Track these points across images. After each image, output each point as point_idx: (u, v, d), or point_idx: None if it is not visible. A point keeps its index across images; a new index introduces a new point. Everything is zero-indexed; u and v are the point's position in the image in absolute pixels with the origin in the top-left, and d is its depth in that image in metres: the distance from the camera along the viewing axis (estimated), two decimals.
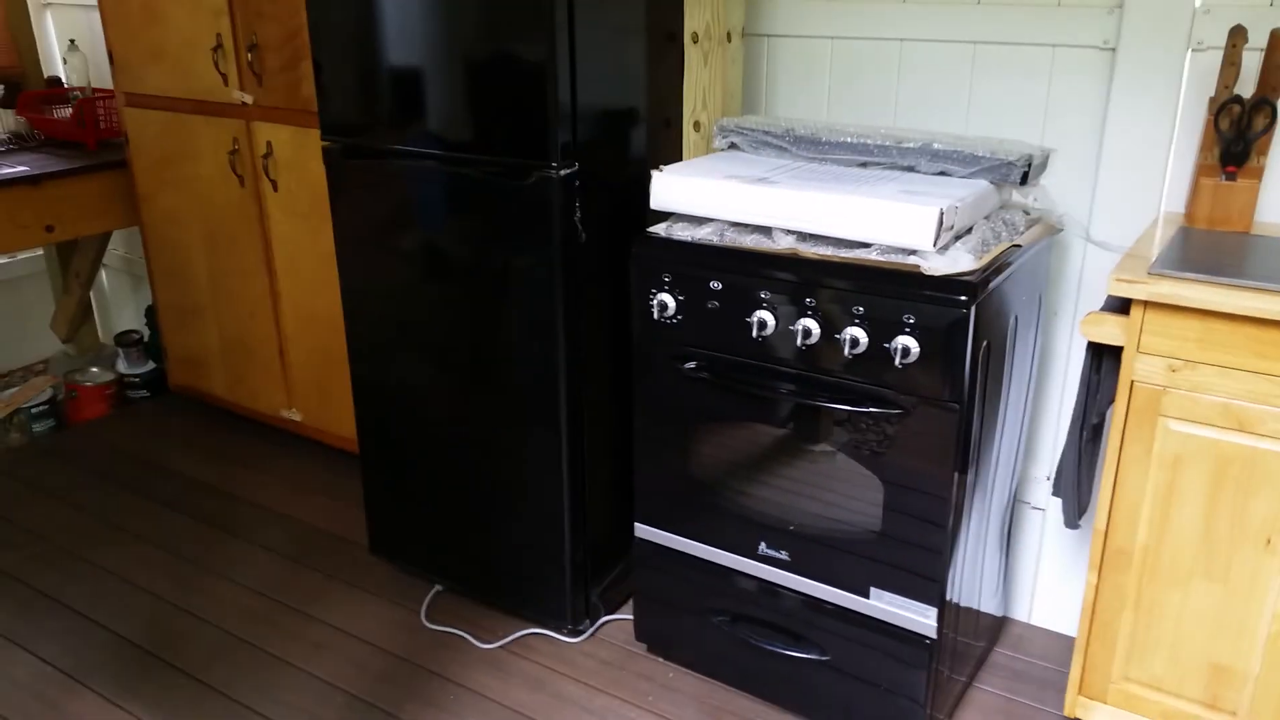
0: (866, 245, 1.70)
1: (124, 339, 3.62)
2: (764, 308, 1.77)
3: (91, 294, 4.00)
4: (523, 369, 2.10)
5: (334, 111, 2.19)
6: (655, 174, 1.88)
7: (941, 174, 1.86)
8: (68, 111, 3.35)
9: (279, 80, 2.69)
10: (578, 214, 1.97)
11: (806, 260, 1.74)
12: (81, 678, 2.19)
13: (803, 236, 1.76)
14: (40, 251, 3.89)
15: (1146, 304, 1.59)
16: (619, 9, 2.02)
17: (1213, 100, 1.83)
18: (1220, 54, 1.84)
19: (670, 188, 1.87)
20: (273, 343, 3.06)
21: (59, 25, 3.72)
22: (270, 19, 2.63)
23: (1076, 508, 1.82)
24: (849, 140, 1.92)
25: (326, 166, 2.24)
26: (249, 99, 2.78)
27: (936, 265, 1.63)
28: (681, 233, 1.87)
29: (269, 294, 3.00)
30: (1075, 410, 1.77)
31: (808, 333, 1.73)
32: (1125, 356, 1.65)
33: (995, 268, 1.69)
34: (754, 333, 1.78)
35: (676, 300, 1.87)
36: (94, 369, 3.56)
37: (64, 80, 3.57)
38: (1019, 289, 1.83)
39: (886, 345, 1.66)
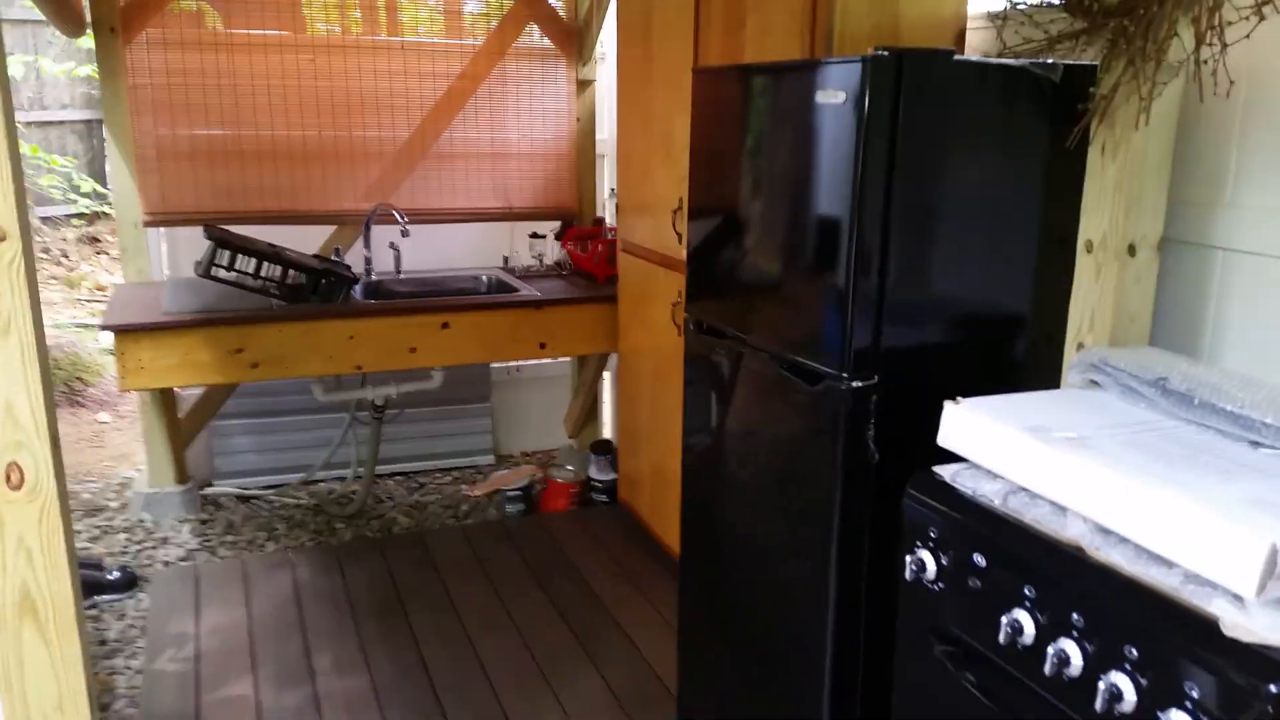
0: (1170, 564, 1.21)
1: (598, 447, 4.03)
2: (1024, 608, 1.35)
3: (607, 401, 4.55)
4: (798, 576, 1.89)
5: (694, 291, 2.25)
6: (948, 405, 1.56)
7: None
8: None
9: None
10: (871, 431, 1.72)
11: (1088, 563, 1.29)
12: None
13: (1101, 529, 1.31)
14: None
15: None
16: (968, 199, 1.76)
17: None
18: None
19: (960, 425, 1.54)
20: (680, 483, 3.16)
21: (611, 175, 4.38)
22: None
23: None
24: (1228, 407, 1.40)
25: (685, 334, 2.28)
26: None
27: (1243, 623, 1.09)
28: (966, 481, 1.52)
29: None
30: None
31: (1064, 659, 1.27)
32: None
33: None
34: (1001, 635, 1.37)
35: (938, 564, 1.52)
36: (569, 468, 4.02)
37: (605, 222, 4.16)
38: None
39: (1160, 714, 1.15)
